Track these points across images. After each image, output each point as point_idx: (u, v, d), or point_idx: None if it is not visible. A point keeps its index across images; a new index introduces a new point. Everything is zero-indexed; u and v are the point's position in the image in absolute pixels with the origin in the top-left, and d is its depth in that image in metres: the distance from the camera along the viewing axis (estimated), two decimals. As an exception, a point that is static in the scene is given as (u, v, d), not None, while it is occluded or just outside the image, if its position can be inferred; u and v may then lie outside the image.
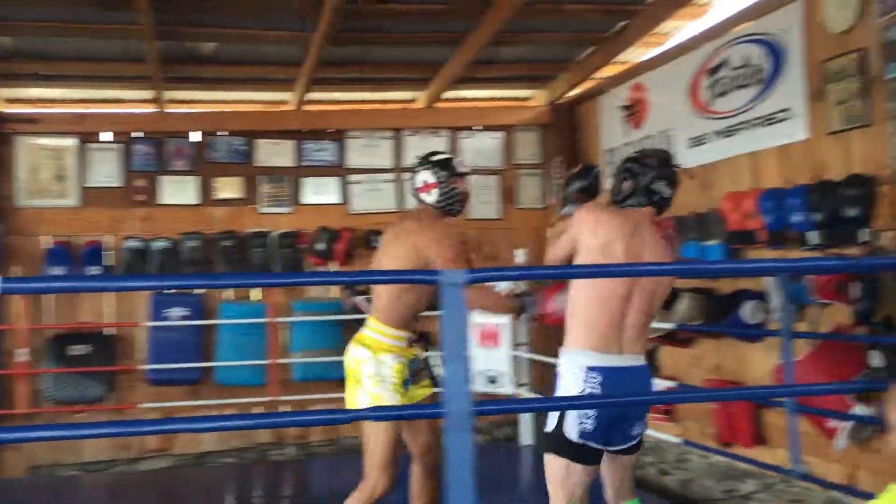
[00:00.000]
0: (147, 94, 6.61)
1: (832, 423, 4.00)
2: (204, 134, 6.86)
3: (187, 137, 6.84)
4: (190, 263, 6.53)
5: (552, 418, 2.92)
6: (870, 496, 3.74)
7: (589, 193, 3.55)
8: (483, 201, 7.22)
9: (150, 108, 6.81)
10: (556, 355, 3.30)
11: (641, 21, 5.65)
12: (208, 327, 6.51)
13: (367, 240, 6.89)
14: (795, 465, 3.68)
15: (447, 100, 7.22)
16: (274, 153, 6.94)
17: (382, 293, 3.54)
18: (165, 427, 2.37)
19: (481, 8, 5.39)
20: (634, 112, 6.25)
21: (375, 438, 3.38)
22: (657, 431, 5.64)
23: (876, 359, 3.88)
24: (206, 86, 6.67)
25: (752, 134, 4.98)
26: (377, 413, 1.99)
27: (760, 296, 4.68)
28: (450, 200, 3.55)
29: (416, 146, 7.16)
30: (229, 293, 6.66)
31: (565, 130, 7.18)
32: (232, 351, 6.44)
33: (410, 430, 3.61)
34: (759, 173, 4.94)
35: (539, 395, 6.27)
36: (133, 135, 6.74)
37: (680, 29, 6.03)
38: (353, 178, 7.07)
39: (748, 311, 4.62)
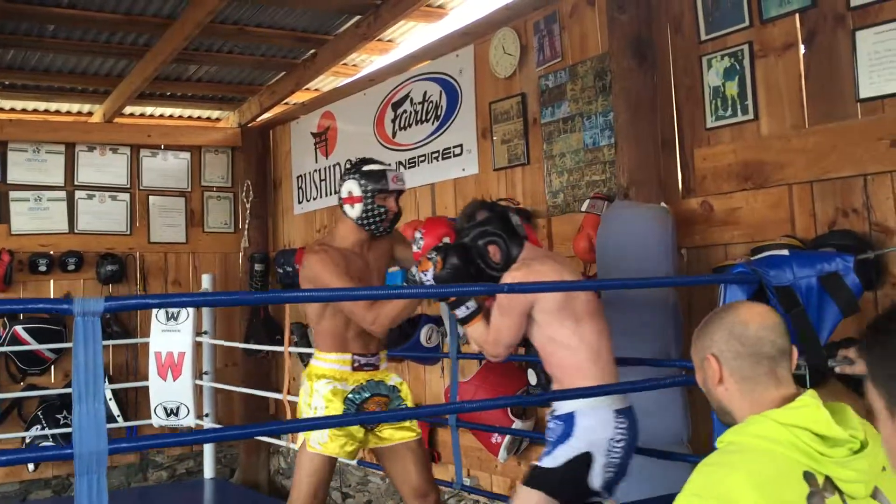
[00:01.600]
0: None
1: (496, 438, 4.28)
2: None
3: None
4: None
5: (559, 458, 2.60)
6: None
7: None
8: (168, 224, 6.87)
9: None
10: (241, 384, 3.15)
11: (330, 51, 5.73)
12: None
13: (32, 263, 6.23)
14: (460, 479, 3.88)
15: (129, 115, 6.79)
16: (-87, 162, 6.05)
17: (311, 318, 3.27)
18: None
19: (164, 21, 5.14)
20: (325, 139, 6.32)
21: (300, 471, 3.09)
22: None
23: (533, 377, 4.23)
24: None
25: (431, 166, 5.24)
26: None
27: (437, 320, 4.92)
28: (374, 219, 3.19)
29: (93, 163, 6.65)
30: None
31: (256, 154, 7.08)
32: None
33: (396, 471, 3.26)
34: (437, 203, 5.21)
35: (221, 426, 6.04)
36: None
37: (368, 62, 6.22)
38: (16, 194, 6.36)
39: (424, 335, 4.82)
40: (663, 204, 3.54)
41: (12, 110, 6.53)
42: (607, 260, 3.52)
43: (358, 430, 3.16)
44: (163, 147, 6.90)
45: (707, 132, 3.59)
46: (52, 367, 6.24)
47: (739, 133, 3.47)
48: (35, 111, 6.59)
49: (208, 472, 6.38)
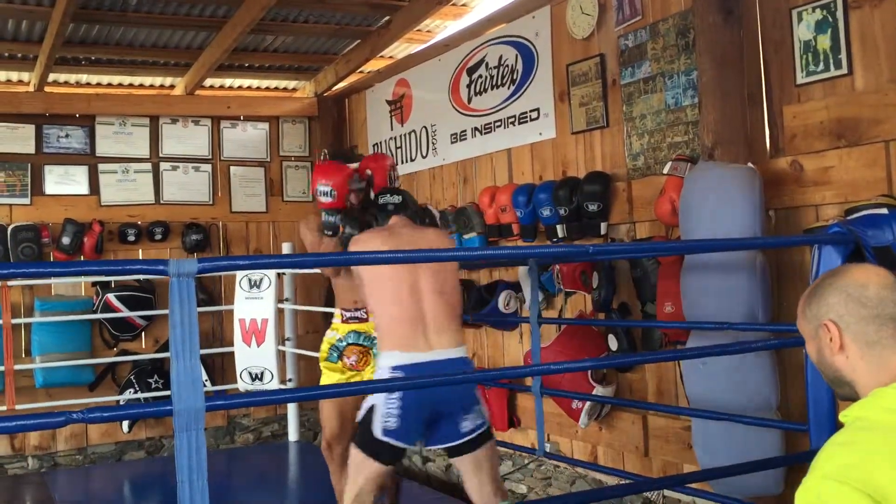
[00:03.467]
0: None
1: (576, 404, 4.26)
2: (-76, 114, 6.08)
3: None
4: None
5: (363, 410, 2.99)
6: (608, 470, 4.03)
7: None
8: (249, 193, 7.01)
9: None
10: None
11: (404, 17, 5.71)
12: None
13: (121, 233, 6.45)
14: (542, 446, 3.88)
15: (209, 87, 6.91)
16: (9, 138, 6.28)
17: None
18: None
19: (241, -7, 5.20)
20: (400, 107, 6.33)
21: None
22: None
23: (613, 342, 4.20)
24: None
25: (507, 131, 5.20)
26: (89, 416, 1.82)
27: (515, 286, 4.91)
28: None
29: (176, 135, 6.82)
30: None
31: (333, 123, 7.14)
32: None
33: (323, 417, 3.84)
34: (514, 169, 5.17)
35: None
36: None
37: (442, 27, 6.17)
38: (105, 167, 6.58)
39: (503, 301, 4.82)
40: (750, 164, 3.43)
41: (98, 85, 6.72)
42: (691, 223, 3.44)
43: (342, 372, 3.84)
44: (242, 118, 7.02)
45: (797, 88, 3.45)
46: (143, 333, 6.47)
47: (832, 88, 3.32)
48: (120, 85, 6.77)
49: (292, 434, 6.55)
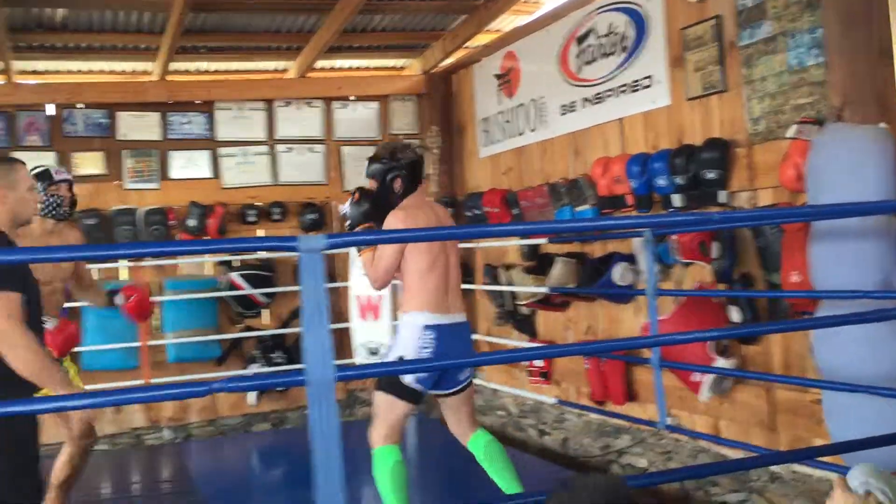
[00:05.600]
0: (-6, 64, 6.17)
1: (696, 377, 4.17)
2: (59, 107, 6.46)
3: (41, 110, 6.43)
4: (50, 244, 6.16)
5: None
6: (732, 443, 3.93)
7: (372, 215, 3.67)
8: (361, 172, 7.12)
9: (-2, 80, 6.36)
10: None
11: (511, -11, 5.67)
12: (71, 310, 6.17)
13: (241, 215, 6.70)
14: (663, 419, 3.83)
15: (320, 69, 7.07)
16: (138, 126, 6.62)
17: None
18: (18, 409, 2.20)
19: (349, -26, 5.28)
20: (508, 80, 6.30)
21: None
22: (535, 393, 5.79)
23: (735, 314, 4.07)
24: (58, 55, 6.28)
25: (618, 100, 5.09)
26: (229, 385, 1.91)
27: (630, 258, 4.83)
28: (50, 207, 3.79)
29: (290, 117, 7.01)
30: (95, 273, 6.33)
31: (441, 99, 7.17)
32: (98, 334, 6.13)
33: None
34: (627, 139, 5.07)
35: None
36: (-21, 108, 6.28)
37: (549, -3, 6.09)
38: (225, 150, 6.84)
39: (618, 273, 4.75)
40: (882, 124, 3.25)
41: (216, 72, 6.97)
42: (820, 188, 3.30)
43: None
44: (352, 98, 7.14)
45: (934, 41, 3.24)
46: (266, 310, 6.71)
47: (974, 39, 3.11)
48: (236, 72, 7.01)
49: (408, 408, 6.68)
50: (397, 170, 3.52)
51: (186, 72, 6.79)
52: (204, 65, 6.80)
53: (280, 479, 5.23)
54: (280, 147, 6.96)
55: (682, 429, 4.42)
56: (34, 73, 6.48)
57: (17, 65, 6.19)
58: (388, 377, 3.43)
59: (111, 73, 6.70)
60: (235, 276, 6.48)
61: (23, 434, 2.66)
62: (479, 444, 3.58)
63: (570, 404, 5.24)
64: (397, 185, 3.52)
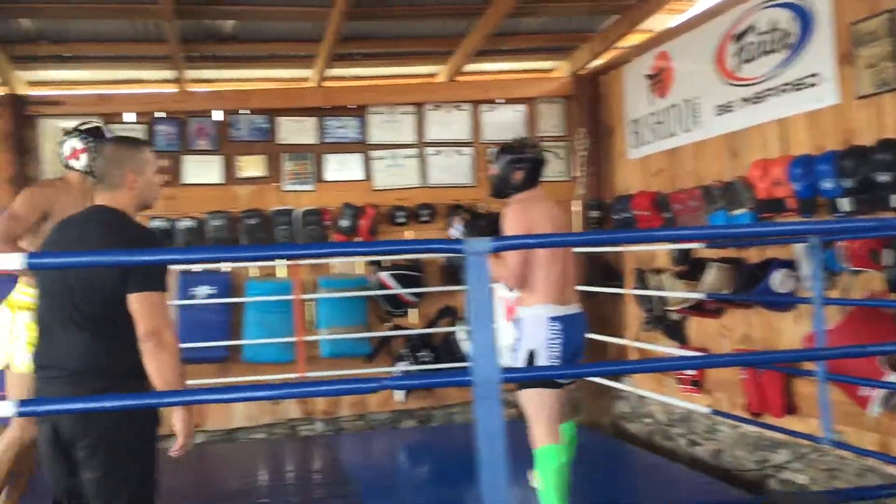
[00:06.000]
0: (168, 73, 6.61)
1: (864, 391, 3.94)
2: (226, 113, 6.85)
3: (209, 117, 6.84)
4: (215, 242, 6.55)
5: (521, 358, 3.64)
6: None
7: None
8: (506, 175, 7.16)
9: (171, 88, 6.81)
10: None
11: (665, -13, 5.55)
12: (235, 305, 6.54)
13: (391, 216, 6.88)
14: (828, 434, 3.64)
15: (469, 73, 7.15)
16: (296, 131, 6.93)
17: None
18: (188, 398, 2.37)
19: (501, -22, 5.32)
20: (659, 81, 6.16)
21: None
22: (686, 402, 5.63)
23: (910, 326, 3.82)
24: (226, 64, 6.66)
25: (780, 100, 4.88)
26: (399, 383, 1.97)
27: (790, 264, 4.62)
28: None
29: (439, 121, 7.14)
30: (255, 271, 6.68)
31: (589, 101, 7.10)
32: (259, 328, 6.46)
33: None
34: (788, 140, 4.85)
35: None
36: (156, 115, 6.75)
37: (704, -5, 5.91)
38: (376, 153, 7.05)
39: (777, 280, 4.55)
40: None
41: (369, 77, 7.19)
42: None
43: None
44: (500, 101, 7.18)
45: None
46: (414, 309, 6.86)
47: None
48: (389, 77, 7.20)
49: (552, 411, 6.65)
50: (522, 162, 3.72)
51: (342, 78, 7.04)
52: (358, 70, 7.02)
53: (430, 476, 5.36)
54: (429, 150, 7.10)
55: (848, 445, 4.17)
56: (203, 81, 6.90)
57: (190, 74, 6.61)
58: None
59: (273, 80, 7.05)
60: (385, 276, 6.66)
61: (151, 437, 2.70)
62: (568, 432, 3.81)
63: (725, 414, 5.06)
64: (518, 176, 3.72)
